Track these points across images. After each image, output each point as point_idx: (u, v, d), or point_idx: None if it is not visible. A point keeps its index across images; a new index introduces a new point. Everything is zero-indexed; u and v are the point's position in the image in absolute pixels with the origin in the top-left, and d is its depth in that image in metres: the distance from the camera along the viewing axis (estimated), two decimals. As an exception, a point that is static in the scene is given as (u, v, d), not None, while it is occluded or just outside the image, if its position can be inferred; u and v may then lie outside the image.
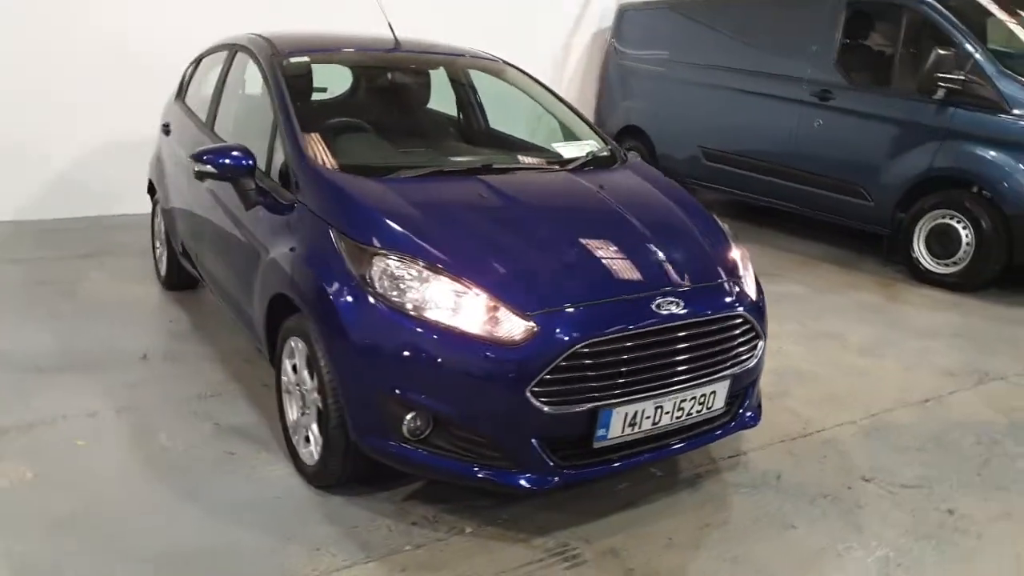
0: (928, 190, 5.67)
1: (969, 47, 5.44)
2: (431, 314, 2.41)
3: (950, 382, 4.01)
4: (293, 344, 2.83)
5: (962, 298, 5.37)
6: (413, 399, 2.41)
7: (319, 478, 2.78)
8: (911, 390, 3.89)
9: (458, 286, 2.45)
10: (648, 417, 2.51)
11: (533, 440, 2.38)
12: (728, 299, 2.71)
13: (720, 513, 2.80)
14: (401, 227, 2.63)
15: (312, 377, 2.72)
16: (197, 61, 4.70)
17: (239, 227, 3.29)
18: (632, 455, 2.56)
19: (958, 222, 5.48)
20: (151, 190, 5.05)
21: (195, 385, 3.62)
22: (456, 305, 2.41)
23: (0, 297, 4.66)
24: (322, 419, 2.69)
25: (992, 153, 5.33)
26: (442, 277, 2.46)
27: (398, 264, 2.50)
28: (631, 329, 2.44)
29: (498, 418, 2.37)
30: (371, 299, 2.47)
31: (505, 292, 2.43)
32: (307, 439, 2.84)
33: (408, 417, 2.42)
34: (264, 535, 2.57)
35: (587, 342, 2.36)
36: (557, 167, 3.34)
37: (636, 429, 2.50)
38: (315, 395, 2.71)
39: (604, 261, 2.65)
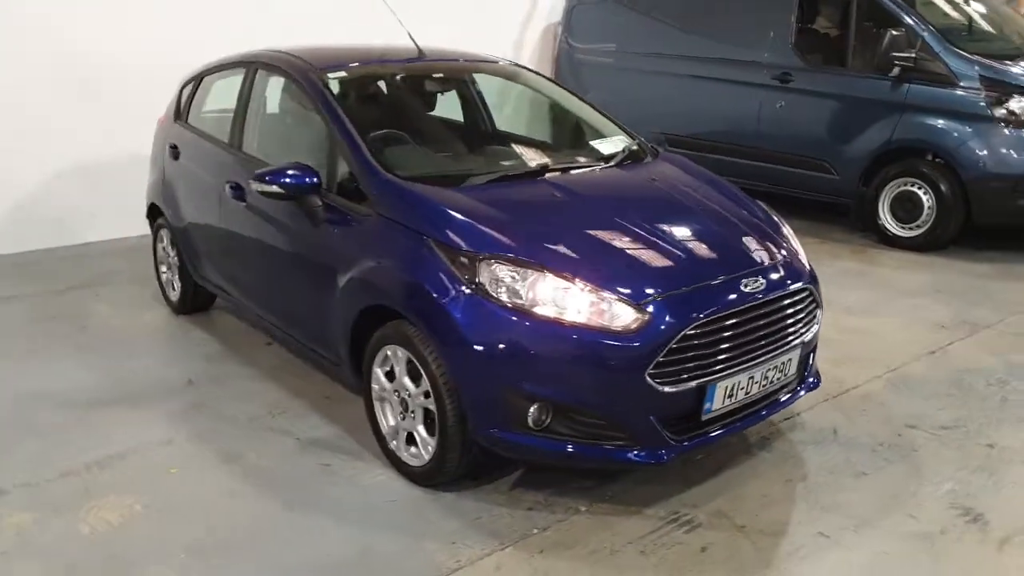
0: (889, 161, 6.12)
1: (917, 26, 5.89)
2: (547, 311, 2.57)
3: (946, 334, 4.40)
4: (389, 352, 2.95)
5: (929, 257, 5.82)
6: (536, 391, 2.58)
7: (430, 477, 2.91)
8: (915, 344, 4.26)
9: (565, 282, 2.61)
10: (742, 388, 2.75)
11: (651, 418, 2.58)
12: (796, 273, 2.98)
13: (798, 469, 3.07)
14: (498, 231, 2.78)
15: (416, 382, 2.86)
16: (197, 80, 4.68)
17: (302, 245, 3.36)
18: (730, 424, 2.80)
19: (919, 188, 5.94)
20: (151, 215, 5.02)
21: (254, 404, 3.67)
22: (570, 301, 2.58)
23: (18, 336, 4.58)
24: (431, 420, 2.83)
25: (947, 124, 5.80)
26: (549, 275, 2.62)
27: (506, 267, 2.65)
28: (729, 309, 2.67)
29: (620, 401, 2.56)
30: (486, 302, 2.61)
31: (614, 284, 2.62)
32: (409, 442, 2.97)
33: (532, 409, 2.59)
34: (396, 536, 2.69)
35: (694, 324, 2.58)
36: (602, 164, 3.53)
37: (733, 400, 2.74)
38: (421, 398, 2.84)
39: (688, 248, 2.87)
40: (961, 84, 5.72)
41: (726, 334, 2.66)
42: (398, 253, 2.88)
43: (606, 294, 2.59)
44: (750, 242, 3.01)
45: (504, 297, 2.61)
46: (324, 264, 3.22)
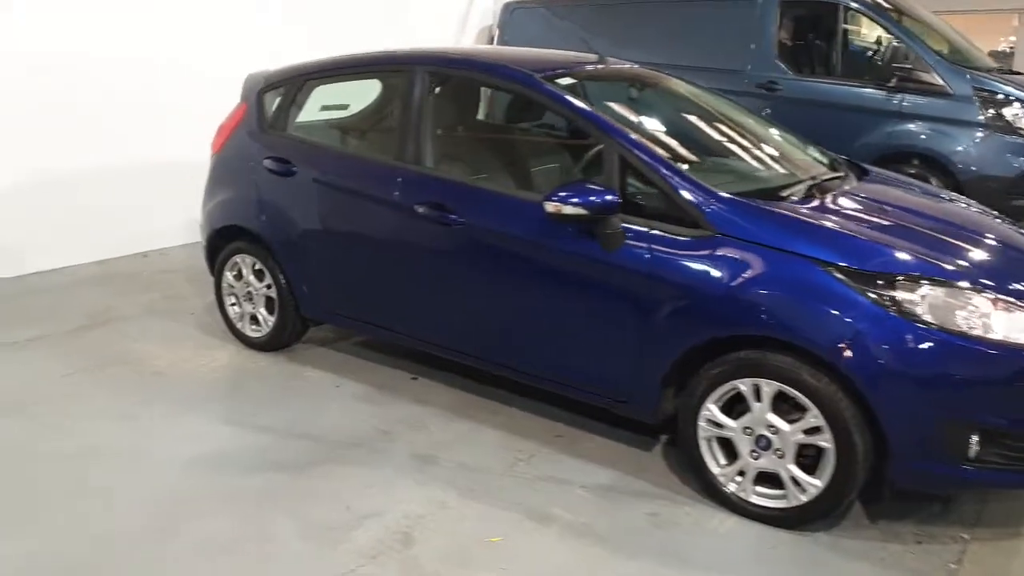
0: (884, 165, 6.59)
1: (909, 40, 6.41)
2: (983, 332, 2.46)
3: None
4: (742, 387, 2.70)
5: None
6: (985, 420, 2.46)
7: (806, 519, 2.71)
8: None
9: (985, 299, 2.52)
10: None
11: None
12: None
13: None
14: (895, 249, 2.64)
15: (787, 417, 2.66)
16: (292, 85, 4.00)
17: (583, 272, 2.97)
18: None
19: (918, 189, 6.48)
20: (217, 241, 4.25)
21: (485, 450, 3.24)
22: (1000, 320, 2.49)
23: (94, 393, 3.73)
24: (801, 458, 2.66)
25: (942, 130, 6.35)
26: (977, 296, 2.51)
27: (928, 289, 2.51)
28: None
29: None
30: (920, 329, 2.45)
31: None
32: (757, 482, 2.77)
33: (974, 439, 2.47)
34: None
35: None
36: (849, 175, 3.46)
37: None
38: (799, 436, 2.64)
39: None
40: (955, 94, 6.30)
41: None
42: (775, 279, 2.63)
43: None
44: None
45: (936, 321, 2.48)
46: (623, 292, 2.89)
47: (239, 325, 4.27)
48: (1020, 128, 6.17)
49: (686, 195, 2.83)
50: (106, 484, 2.99)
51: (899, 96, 6.44)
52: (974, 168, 6.25)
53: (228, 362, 4.11)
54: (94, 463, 3.13)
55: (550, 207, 2.86)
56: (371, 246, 3.60)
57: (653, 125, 3.35)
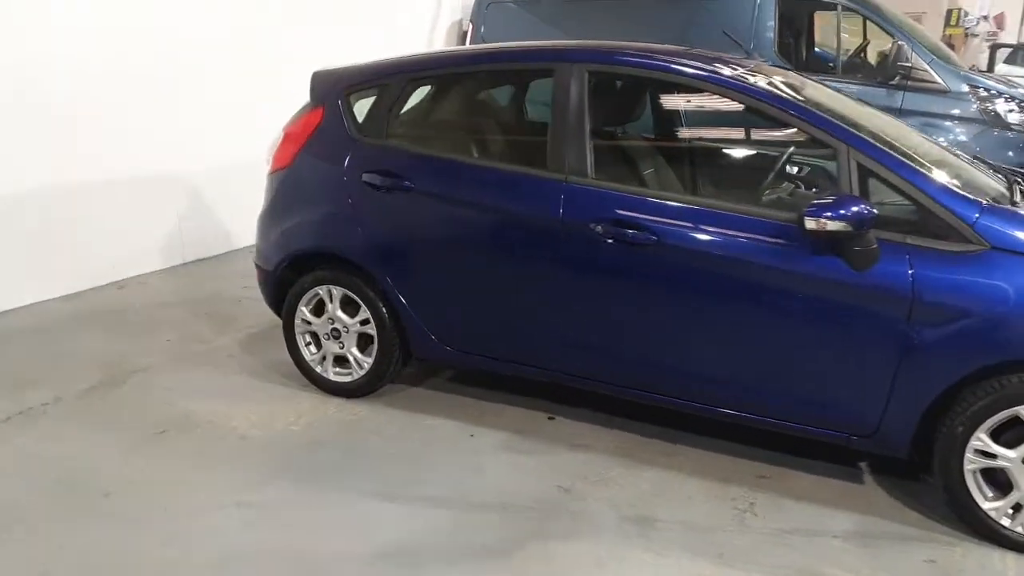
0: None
1: (908, 41, 6.50)
2: None
3: None
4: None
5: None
6: None
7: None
8: None
9: None
10: None
11: None
12: None
13: None
14: None
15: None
16: (394, 86, 3.40)
17: (822, 290, 2.65)
18: None
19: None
20: (285, 271, 3.60)
21: (695, 503, 2.86)
22: None
23: (171, 471, 3.04)
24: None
25: (940, 126, 6.47)
26: None
27: None
28: None
29: None
30: None
31: None
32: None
33: None
34: None
35: None
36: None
37: None
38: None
39: None
40: (952, 91, 6.45)
41: None
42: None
43: None
44: None
45: None
46: (879, 316, 2.59)
47: (319, 369, 3.64)
48: (1012, 123, 6.40)
49: (949, 206, 2.56)
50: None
51: (900, 94, 6.53)
52: (972, 162, 6.42)
53: (320, 415, 3.48)
54: (247, 572, 2.50)
55: (811, 223, 2.52)
56: (523, 273, 3.12)
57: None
